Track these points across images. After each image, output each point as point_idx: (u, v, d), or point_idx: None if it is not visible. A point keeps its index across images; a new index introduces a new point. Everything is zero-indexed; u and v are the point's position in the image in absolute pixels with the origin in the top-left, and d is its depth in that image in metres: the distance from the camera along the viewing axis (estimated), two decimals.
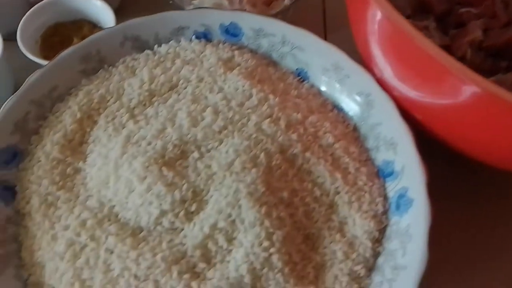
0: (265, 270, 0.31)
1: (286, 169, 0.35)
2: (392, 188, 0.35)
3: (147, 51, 0.42)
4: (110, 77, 0.41)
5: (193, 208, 0.33)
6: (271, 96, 0.38)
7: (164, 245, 0.32)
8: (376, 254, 0.33)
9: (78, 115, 0.38)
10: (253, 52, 0.43)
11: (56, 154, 0.36)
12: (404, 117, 0.35)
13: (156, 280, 0.31)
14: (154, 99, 0.39)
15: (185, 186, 0.33)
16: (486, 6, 0.39)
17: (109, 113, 0.38)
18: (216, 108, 0.37)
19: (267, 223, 0.32)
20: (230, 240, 0.32)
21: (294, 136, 0.36)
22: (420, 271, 0.30)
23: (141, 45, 0.42)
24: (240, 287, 0.30)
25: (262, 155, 0.34)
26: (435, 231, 0.31)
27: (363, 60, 0.39)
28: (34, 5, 0.47)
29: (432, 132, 0.36)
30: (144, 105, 0.39)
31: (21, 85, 0.38)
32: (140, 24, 0.42)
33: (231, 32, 0.42)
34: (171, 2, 0.46)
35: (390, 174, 0.36)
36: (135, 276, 0.31)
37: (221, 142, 0.35)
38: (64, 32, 0.49)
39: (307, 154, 0.36)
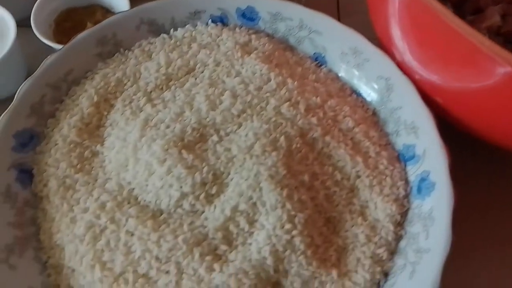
0: (287, 252, 0.31)
1: (306, 152, 0.35)
2: (413, 172, 0.35)
3: (163, 35, 0.42)
4: (126, 60, 0.40)
5: (213, 190, 0.33)
6: (289, 80, 0.38)
7: (185, 227, 0.31)
8: (398, 238, 0.33)
9: (95, 99, 0.38)
10: (270, 36, 0.42)
11: (73, 137, 0.36)
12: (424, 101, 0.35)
13: (178, 262, 0.30)
14: (171, 83, 0.39)
15: (205, 169, 0.33)
16: None
17: (126, 97, 0.38)
18: (234, 92, 0.37)
19: (288, 205, 0.32)
20: (251, 222, 0.32)
21: (313, 120, 0.36)
22: (445, 253, 0.29)
23: (157, 29, 0.42)
24: (262, 269, 0.30)
25: (282, 138, 0.34)
26: (456, 214, 0.31)
27: (382, 44, 0.39)
28: None
29: (453, 116, 0.35)
30: (161, 89, 0.39)
31: (34, 71, 0.38)
32: (156, 7, 0.41)
33: (248, 16, 0.42)
34: None
35: (411, 158, 0.35)
36: (157, 258, 0.31)
37: (240, 125, 0.35)
38: (76, 17, 0.48)
39: (327, 138, 0.35)
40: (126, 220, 0.32)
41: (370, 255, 0.32)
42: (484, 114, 0.33)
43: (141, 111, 0.37)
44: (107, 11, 0.49)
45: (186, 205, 0.32)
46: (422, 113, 0.35)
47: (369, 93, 0.39)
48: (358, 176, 0.34)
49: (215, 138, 0.35)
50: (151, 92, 0.38)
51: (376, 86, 0.39)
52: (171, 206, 0.32)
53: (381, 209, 0.33)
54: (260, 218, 0.32)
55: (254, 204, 0.32)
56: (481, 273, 0.36)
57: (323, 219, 0.33)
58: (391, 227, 0.33)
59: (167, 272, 0.30)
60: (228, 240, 0.31)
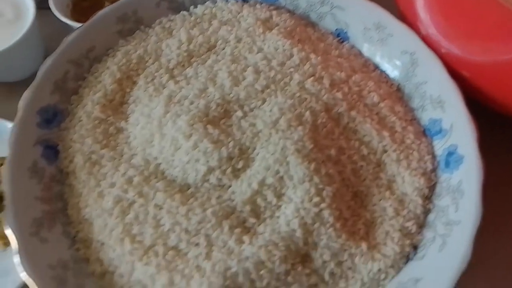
0: (316, 225, 0.30)
1: (332, 127, 0.34)
2: (440, 146, 0.35)
3: (183, 12, 0.41)
4: (147, 38, 0.40)
5: (240, 165, 0.33)
6: (312, 55, 0.37)
7: (213, 200, 0.31)
8: (426, 211, 0.33)
9: (118, 75, 0.38)
10: (291, 12, 0.42)
11: (97, 113, 0.36)
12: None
13: (207, 235, 0.30)
14: (193, 59, 0.39)
15: (231, 144, 0.33)
16: None
17: (148, 74, 0.38)
18: (257, 68, 0.36)
19: (316, 179, 0.31)
20: (279, 196, 0.32)
21: (338, 95, 0.35)
22: (476, 225, 0.29)
23: (176, 6, 0.42)
24: (292, 241, 0.30)
25: (307, 113, 0.34)
26: (485, 187, 0.30)
27: (405, 18, 0.38)
28: None
29: (480, 91, 0.35)
30: (183, 66, 0.38)
31: (52, 53, 0.37)
32: None
33: None
34: None
35: (438, 132, 0.35)
36: (186, 231, 0.31)
37: (264, 101, 0.35)
38: None
39: (353, 113, 0.35)
40: (154, 194, 0.32)
41: (399, 228, 0.32)
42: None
43: (164, 88, 0.37)
44: None
45: (213, 179, 0.32)
46: (448, 87, 0.34)
47: (393, 69, 0.39)
48: (385, 151, 0.34)
49: (239, 113, 0.34)
50: (173, 69, 0.38)
51: (400, 62, 0.38)
52: (198, 180, 0.32)
53: (408, 183, 0.33)
54: (288, 191, 0.32)
55: (281, 178, 0.32)
56: (510, 245, 0.36)
57: (350, 193, 0.33)
58: (420, 201, 0.32)
59: (197, 244, 0.30)
60: (256, 213, 0.31)
